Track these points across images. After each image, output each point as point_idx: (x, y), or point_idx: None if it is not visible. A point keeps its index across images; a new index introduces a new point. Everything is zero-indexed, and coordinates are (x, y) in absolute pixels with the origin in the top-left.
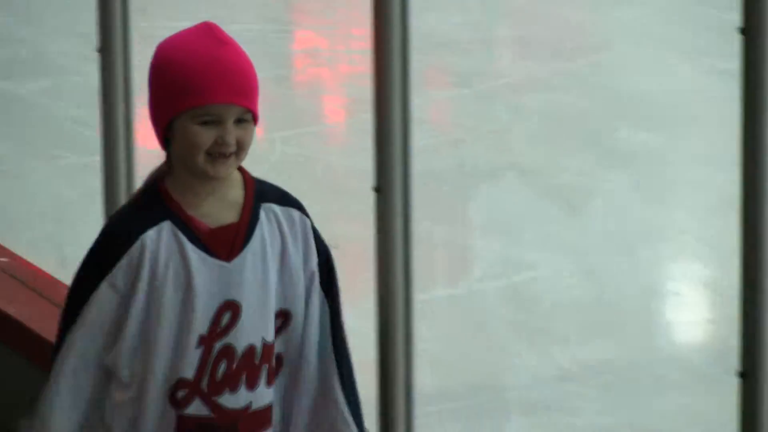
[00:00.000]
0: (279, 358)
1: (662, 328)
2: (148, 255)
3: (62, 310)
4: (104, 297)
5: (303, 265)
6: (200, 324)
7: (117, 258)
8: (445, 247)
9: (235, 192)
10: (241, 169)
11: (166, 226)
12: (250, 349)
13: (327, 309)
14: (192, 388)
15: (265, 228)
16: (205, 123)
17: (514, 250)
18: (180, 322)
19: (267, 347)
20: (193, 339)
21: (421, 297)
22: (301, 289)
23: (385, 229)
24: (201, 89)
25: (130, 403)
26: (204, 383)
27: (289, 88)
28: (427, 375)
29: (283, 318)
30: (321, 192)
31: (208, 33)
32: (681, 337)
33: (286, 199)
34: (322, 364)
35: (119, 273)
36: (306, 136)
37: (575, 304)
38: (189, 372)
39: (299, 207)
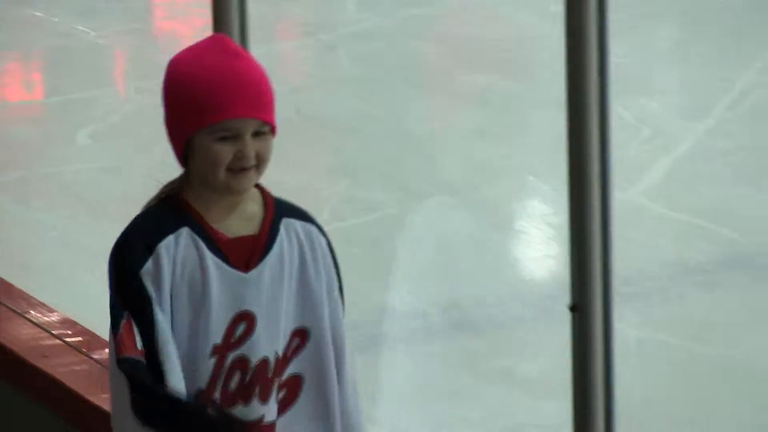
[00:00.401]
0: (298, 380)
1: (507, 264)
2: (166, 261)
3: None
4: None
5: (325, 286)
6: (214, 333)
7: (138, 269)
8: (291, 192)
9: (255, 206)
10: (259, 186)
11: (185, 233)
12: (264, 362)
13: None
14: (206, 399)
15: (284, 242)
16: (223, 138)
17: (359, 192)
18: (194, 329)
19: (279, 361)
20: (207, 348)
21: None
22: (322, 309)
23: None
24: (217, 105)
25: None
26: (217, 394)
27: (143, 40)
28: None
29: (301, 337)
30: None
31: (220, 46)
32: (524, 273)
33: (306, 216)
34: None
35: (146, 278)
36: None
37: (421, 244)
38: (202, 382)
39: (318, 225)
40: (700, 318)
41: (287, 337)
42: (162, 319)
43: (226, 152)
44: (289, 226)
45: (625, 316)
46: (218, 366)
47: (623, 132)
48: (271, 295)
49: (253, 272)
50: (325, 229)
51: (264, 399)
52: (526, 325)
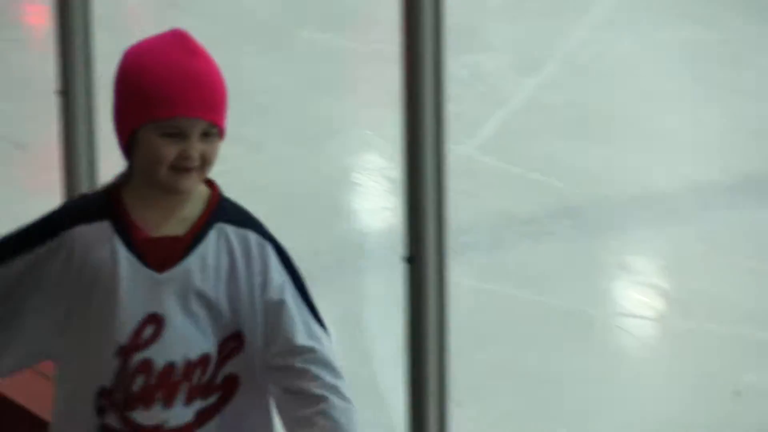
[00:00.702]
0: (234, 379)
1: (343, 216)
2: (77, 249)
3: None
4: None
5: (261, 289)
6: (121, 333)
7: (41, 241)
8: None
9: (193, 207)
10: (211, 185)
11: (105, 226)
12: (169, 367)
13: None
14: (108, 398)
15: (210, 247)
16: (169, 135)
17: None
18: (99, 326)
19: (189, 366)
20: (112, 347)
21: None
22: (256, 313)
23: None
24: (167, 101)
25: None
26: (119, 395)
27: None
28: None
29: (236, 341)
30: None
31: (178, 41)
32: (361, 225)
33: (245, 222)
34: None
35: (40, 253)
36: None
37: (259, 196)
38: (106, 381)
39: (259, 230)
40: (529, 267)
41: (217, 343)
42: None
43: (170, 149)
44: (221, 231)
45: (459, 266)
46: (122, 367)
47: (458, 87)
48: (185, 299)
49: (167, 274)
50: None
51: (167, 404)
52: (362, 276)
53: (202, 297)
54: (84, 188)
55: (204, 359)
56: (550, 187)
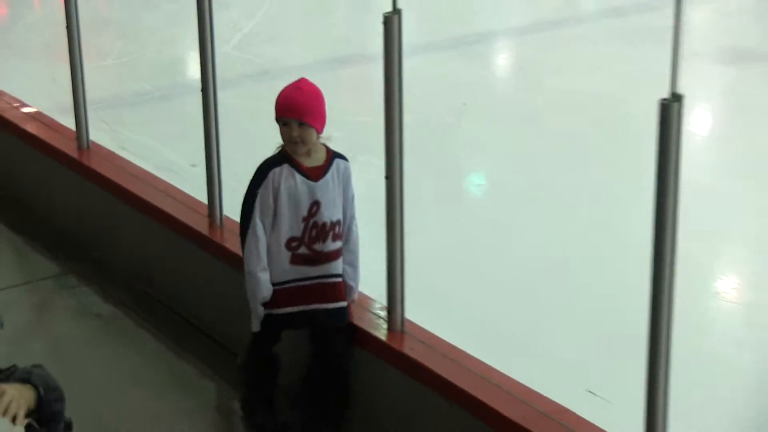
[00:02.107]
0: (341, 232)
1: None
2: (274, 179)
3: (243, 206)
4: (258, 199)
5: (347, 188)
6: (303, 210)
7: (263, 180)
8: None
9: (321, 154)
10: (325, 146)
11: (285, 166)
12: (325, 223)
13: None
14: (299, 241)
15: (334, 169)
16: (284, 124)
17: None
18: (295, 210)
19: (332, 224)
20: (300, 218)
21: None
22: (347, 198)
23: None
24: (280, 109)
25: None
26: (306, 238)
27: None
28: None
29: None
30: None
31: (296, 83)
32: None
33: (342, 157)
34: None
35: (266, 186)
36: None
37: None
38: (298, 233)
39: (346, 160)
40: None
41: (338, 216)
42: (257, 221)
43: (284, 131)
44: (339, 163)
45: None
46: (305, 226)
47: None
48: (329, 192)
49: (320, 182)
50: None
51: (328, 240)
52: None
53: (333, 192)
54: None
55: (338, 221)
56: None
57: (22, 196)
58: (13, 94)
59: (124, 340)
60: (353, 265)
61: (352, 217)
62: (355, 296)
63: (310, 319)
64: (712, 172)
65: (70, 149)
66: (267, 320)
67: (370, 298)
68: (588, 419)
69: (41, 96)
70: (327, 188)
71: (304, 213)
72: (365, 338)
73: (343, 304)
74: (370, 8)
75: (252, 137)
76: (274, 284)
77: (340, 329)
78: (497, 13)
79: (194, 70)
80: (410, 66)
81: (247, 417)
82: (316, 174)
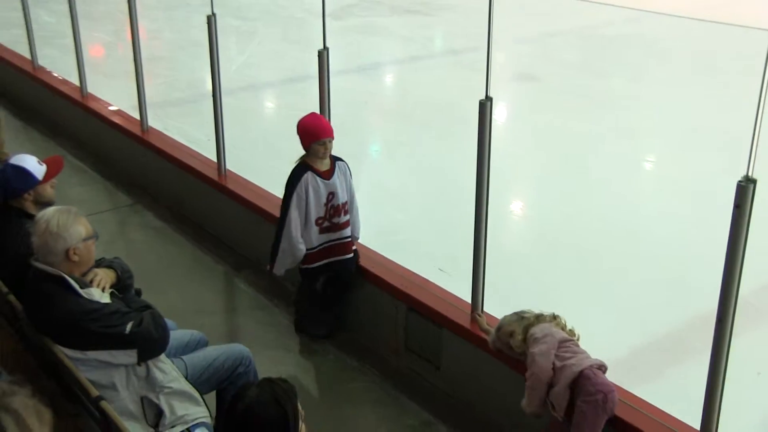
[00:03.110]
0: (347, 208)
1: None
2: (304, 183)
3: (283, 201)
4: (295, 197)
5: (349, 182)
6: (323, 199)
7: (297, 184)
8: None
9: (327, 159)
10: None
11: (309, 172)
12: (342, 204)
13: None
14: (324, 218)
15: (338, 170)
16: (322, 144)
17: None
18: (318, 201)
19: (343, 204)
20: (322, 204)
21: None
22: (349, 186)
23: None
24: (319, 134)
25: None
26: (327, 216)
27: None
28: None
29: (349, 200)
30: None
31: (313, 114)
32: None
33: (341, 160)
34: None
35: (300, 188)
36: None
37: None
38: (321, 213)
39: (342, 160)
40: None
41: (345, 198)
42: (294, 213)
43: (320, 149)
44: (339, 164)
45: None
46: (327, 208)
47: None
48: (339, 184)
49: (332, 180)
50: None
51: (341, 215)
52: None
53: (342, 184)
54: None
55: (345, 202)
56: None
57: (109, 157)
58: (105, 99)
59: (168, 241)
60: (355, 224)
61: (353, 196)
62: (358, 237)
63: (332, 266)
64: (508, 142)
65: (137, 130)
66: (306, 272)
67: None
68: None
69: (121, 100)
70: (336, 182)
71: (324, 200)
72: None
73: (351, 255)
74: (312, 46)
75: (242, 124)
76: (308, 249)
77: (350, 269)
78: (383, 50)
79: (209, 85)
80: (334, 81)
81: (303, 330)
82: (328, 174)
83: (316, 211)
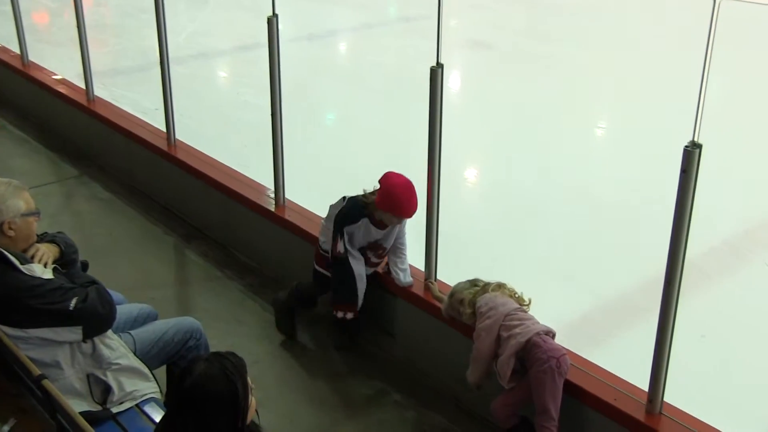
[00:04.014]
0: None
1: None
2: (356, 226)
3: (335, 228)
4: (346, 235)
5: (399, 230)
6: (371, 239)
7: (350, 224)
8: None
9: None
10: None
11: (365, 219)
12: (385, 247)
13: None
14: (370, 253)
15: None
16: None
17: None
18: (363, 238)
19: (386, 248)
20: (366, 241)
21: None
22: (400, 236)
23: None
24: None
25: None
26: (373, 254)
27: None
28: None
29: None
30: None
31: (412, 193)
32: None
33: None
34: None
35: (350, 228)
36: None
37: None
38: (363, 244)
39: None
40: None
41: (390, 245)
42: (349, 245)
43: (390, 220)
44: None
45: None
46: (373, 250)
47: None
48: (387, 234)
49: (385, 230)
50: None
51: (379, 258)
52: None
53: (390, 234)
54: None
55: (385, 247)
56: None
57: (54, 127)
58: (50, 67)
59: (117, 213)
60: (400, 267)
61: (401, 243)
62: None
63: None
64: (460, 108)
65: (82, 100)
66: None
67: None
68: None
69: (67, 69)
70: (386, 232)
71: (371, 240)
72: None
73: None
74: (266, 14)
75: (193, 93)
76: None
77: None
78: (337, 18)
79: (158, 53)
80: (284, 49)
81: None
82: (383, 225)
83: (358, 243)
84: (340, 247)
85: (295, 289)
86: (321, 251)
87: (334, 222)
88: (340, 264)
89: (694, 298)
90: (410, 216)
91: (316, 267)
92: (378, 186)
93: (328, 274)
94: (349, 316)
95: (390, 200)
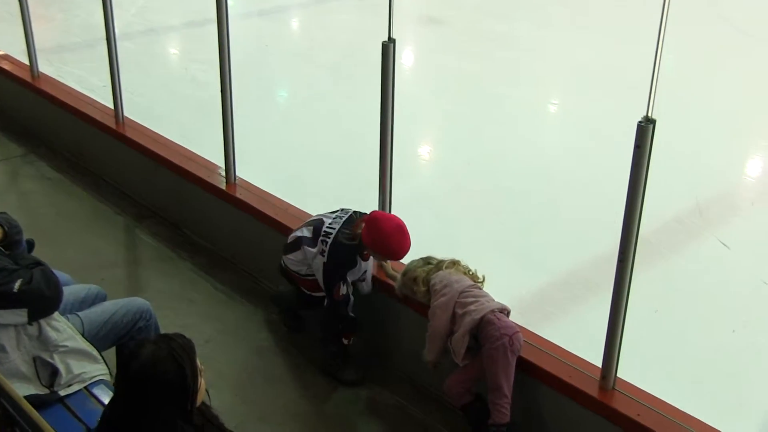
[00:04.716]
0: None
1: None
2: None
3: (334, 272)
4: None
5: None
6: (358, 275)
7: (348, 267)
8: None
9: None
10: None
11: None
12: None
13: None
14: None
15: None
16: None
17: None
18: (353, 275)
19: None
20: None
21: None
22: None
23: None
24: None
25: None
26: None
27: None
28: None
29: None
30: None
31: (405, 235)
32: None
33: None
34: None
35: (351, 271)
36: None
37: None
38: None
39: None
40: None
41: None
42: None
43: (379, 259)
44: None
45: None
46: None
47: None
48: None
49: (369, 259)
50: None
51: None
52: None
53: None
54: None
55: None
56: None
57: None
58: None
59: (65, 192)
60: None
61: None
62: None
63: None
64: (412, 84)
65: (27, 77)
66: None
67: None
68: None
69: (11, 45)
70: (370, 262)
71: (358, 276)
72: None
73: None
74: None
75: (141, 69)
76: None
77: None
78: None
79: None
80: (234, 26)
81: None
82: (368, 256)
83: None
84: (343, 291)
85: (277, 299)
86: (301, 276)
87: (329, 269)
88: (345, 303)
89: (647, 273)
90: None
91: (304, 291)
92: (348, 209)
93: (315, 295)
94: (353, 340)
95: (385, 246)
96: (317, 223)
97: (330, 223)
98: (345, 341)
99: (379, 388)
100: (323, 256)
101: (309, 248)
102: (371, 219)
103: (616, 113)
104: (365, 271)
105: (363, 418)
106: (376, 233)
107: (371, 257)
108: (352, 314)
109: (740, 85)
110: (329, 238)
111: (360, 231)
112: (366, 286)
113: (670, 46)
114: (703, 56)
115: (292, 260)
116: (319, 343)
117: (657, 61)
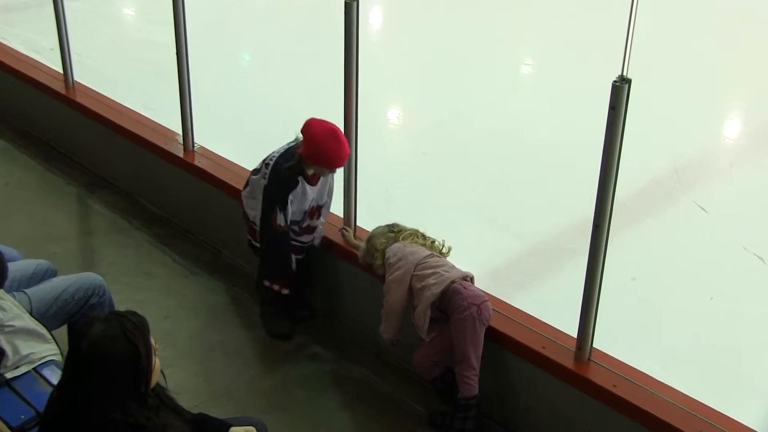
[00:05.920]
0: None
1: None
2: (296, 188)
3: (271, 197)
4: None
5: (330, 183)
6: (306, 206)
7: (289, 192)
8: None
9: None
10: None
11: (300, 178)
12: (319, 206)
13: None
14: (298, 222)
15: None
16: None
17: None
18: (299, 206)
19: (321, 206)
20: (302, 210)
21: None
22: (330, 190)
23: None
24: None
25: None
26: (308, 216)
27: None
28: None
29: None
30: None
31: (343, 142)
32: None
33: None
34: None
35: (293, 194)
36: None
37: None
38: (298, 218)
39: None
40: None
41: (324, 201)
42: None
43: (322, 173)
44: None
45: None
46: (305, 214)
47: None
48: (321, 188)
49: (318, 184)
50: None
51: (317, 217)
52: None
53: (324, 187)
54: None
55: (322, 205)
56: None
57: None
58: None
59: (13, 162)
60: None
61: (330, 196)
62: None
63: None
64: (379, 46)
65: None
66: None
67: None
68: None
69: None
70: (319, 187)
71: (306, 207)
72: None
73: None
74: None
75: (92, 30)
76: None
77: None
78: None
79: None
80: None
81: (272, 328)
82: (316, 180)
83: (293, 216)
84: (281, 220)
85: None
86: (254, 226)
87: (267, 193)
88: (281, 237)
89: (623, 239)
90: (343, 164)
91: (252, 241)
92: (300, 136)
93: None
94: (285, 291)
95: (319, 152)
96: (267, 156)
97: (275, 151)
98: (271, 286)
99: (346, 362)
100: (265, 179)
101: (254, 177)
102: (305, 127)
103: (590, 73)
104: (319, 207)
105: (329, 394)
106: (309, 140)
107: (322, 185)
108: (294, 266)
109: (718, 47)
110: (272, 161)
111: (300, 150)
112: (318, 237)
113: (646, 4)
114: (680, 18)
115: (246, 197)
116: (254, 288)
117: (632, 18)
